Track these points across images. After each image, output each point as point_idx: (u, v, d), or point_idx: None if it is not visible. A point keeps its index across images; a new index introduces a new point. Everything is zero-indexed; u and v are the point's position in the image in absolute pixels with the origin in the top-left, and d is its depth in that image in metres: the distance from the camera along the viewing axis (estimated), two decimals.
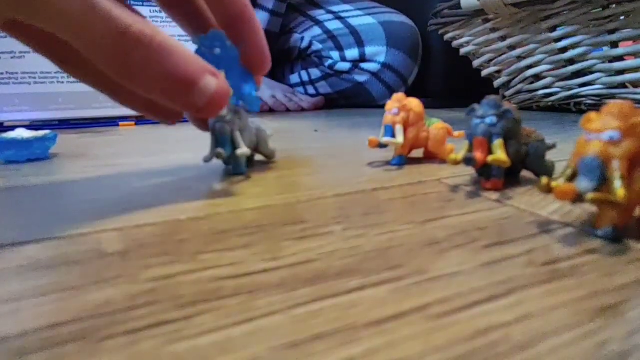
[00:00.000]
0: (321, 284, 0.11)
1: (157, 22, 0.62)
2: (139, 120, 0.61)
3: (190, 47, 0.19)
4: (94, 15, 0.15)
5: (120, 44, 0.16)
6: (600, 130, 0.14)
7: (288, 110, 0.89)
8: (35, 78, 0.55)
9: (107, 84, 0.23)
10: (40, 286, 0.11)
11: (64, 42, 0.16)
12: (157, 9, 0.62)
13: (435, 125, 0.27)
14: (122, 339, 0.09)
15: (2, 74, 0.54)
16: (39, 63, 0.55)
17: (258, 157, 0.29)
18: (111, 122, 0.60)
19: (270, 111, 0.87)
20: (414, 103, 0.27)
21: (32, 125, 0.54)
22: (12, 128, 0.34)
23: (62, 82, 0.57)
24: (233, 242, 0.14)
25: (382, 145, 0.26)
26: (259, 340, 0.09)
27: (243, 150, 0.24)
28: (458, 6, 0.63)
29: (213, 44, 0.23)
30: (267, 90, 0.88)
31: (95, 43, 0.16)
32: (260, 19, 0.90)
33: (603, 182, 0.13)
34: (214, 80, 0.18)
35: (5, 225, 0.17)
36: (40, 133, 0.33)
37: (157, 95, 0.18)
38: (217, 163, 0.28)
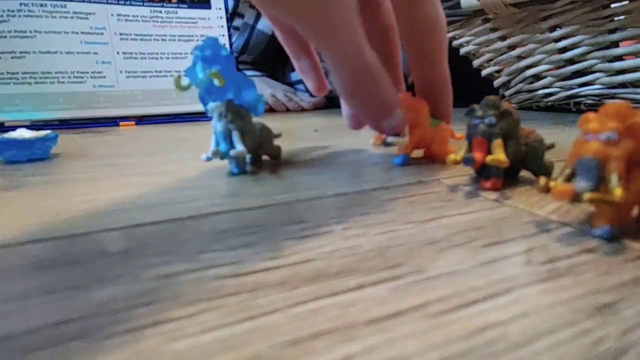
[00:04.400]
0: (321, 283, 0.11)
1: (157, 22, 0.62)
2: (139, 120, 0.62)
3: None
4: (348, 38, 0.19)
5: (359, 73, 0.20)
6: (598, 130, 0.14)
7: (288, 109, 0.89)
8: (35, 78, 0.56)
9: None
10: (43, 285, 0.11)
11: None
12: (158, 8, 0.62)
13: (439, 125, 0.28)
14: (125, 337, 0.09)
15: (2, 74, 0.54)
16: (40, 63, 0.56)
17: (265, 156, 0.29)
18: (111, 122, 0.60)
19: (270, 110, 0.88)
20: (419, 103, 0.27)
21: (33, 125, 0.54)
22: (13, 128, 0.34)
23: (63, 82, 0.57)
24: (233, 242, 0.14)
25: (387, 143, 0.26)
26: (259, 338, 0.09)
27: (238, 150, 0.24)
28: (458, 6, 0.63)
29: (204, 50, 0.24)
30: (267, 90, 0.89)
31: (340, 61, 0.20)
32: (267, 24, 0.90)
33: (600, 182, 0.13)
34: (400, 111, 0.23)
35: (7, 225, 0.17)
36: (42, 133, 0.33)
37: (363, 112, 0.23)
38: (217, 162, 0.28)
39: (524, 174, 0.23)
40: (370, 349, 0.09)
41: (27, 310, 0.10)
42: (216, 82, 0.24)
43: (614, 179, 0.13)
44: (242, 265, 0.13)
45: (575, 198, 0.14)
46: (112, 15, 0.59)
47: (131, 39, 0.60)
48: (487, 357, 0.08)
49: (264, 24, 0.90)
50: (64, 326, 0.10)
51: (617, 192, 0.13)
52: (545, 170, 0.21)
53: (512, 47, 0.65)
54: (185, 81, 0.25)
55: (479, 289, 0.11)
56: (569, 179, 0.15)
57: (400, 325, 0.09)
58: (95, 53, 0.59)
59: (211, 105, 0.24)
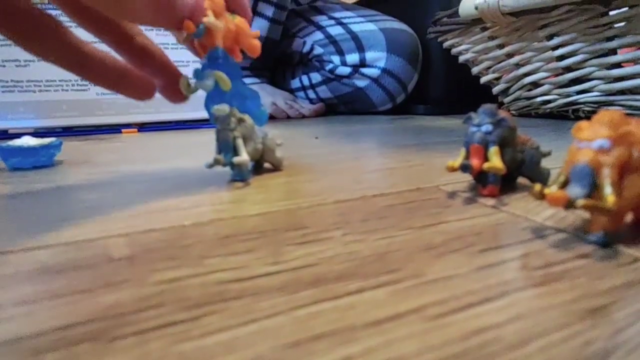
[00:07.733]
0: (322, 287, 0.12)
1: (160, 30, 0.63)
2: (141, 127, 0.62)
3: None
4: None
5: None
6: (591, 138, 0.14)
7: (289, 117, 0.90)
8: (40, 86, 0.56)
9: (78, 61, 0.23)
10: (51, 289, 0.12)
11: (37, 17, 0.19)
12: None
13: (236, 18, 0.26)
14: (132, 339, 0.09)
15: (7, 82, 0.55)
16: (44, 71, 0.56)
17: (267, 164, 0.30)
18: (114, 129, 0.61)
19: (271, 118, 0.88)
20: None
21: (37, 133, 0.55)
22: (18, 135, 0.35)
23: (67, 90, 0.58)
24: (236, 247, 0.15)
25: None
26: (262, 340, 0.09)
27: (241, 158, 0.24)
28: (456, 14, 0.64)
29: (216, 59, 0.24)
30: (268, 97, 0.89)
31: None
32: (259, 26, 0.91)
33: (594, 189, 0.14)
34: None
35: (15, 231, 0.17)
36: (46, 140, 0.33)
37: (147, 15, 0.21)
38: (219, 170, 0.29)
39: (522, 180, 0.23)
40: (369, 350, 0.09)
41: (36, 313, 0.11)
42: (221, 84, 0.24)
43: (606, 186, 0.14)
44: (244, 270, 0.13)
45: (570, 205, 0.14)
46: None
47: None
48: (482, 359, 0.09)
49: (259, 28, 0.91)
50: (72, 329, 0.10)
51: (610, 199, 0.13)
52: (541, 177, 0.22)
53: (510, 55, 0.66)
54: (192, 84, 0.25)
55: (475, 292, 0.11)
56: (563, 185, 0.15)
57: (398, 327, 0.10)
58: None
59: (215, 106, 0.24)
